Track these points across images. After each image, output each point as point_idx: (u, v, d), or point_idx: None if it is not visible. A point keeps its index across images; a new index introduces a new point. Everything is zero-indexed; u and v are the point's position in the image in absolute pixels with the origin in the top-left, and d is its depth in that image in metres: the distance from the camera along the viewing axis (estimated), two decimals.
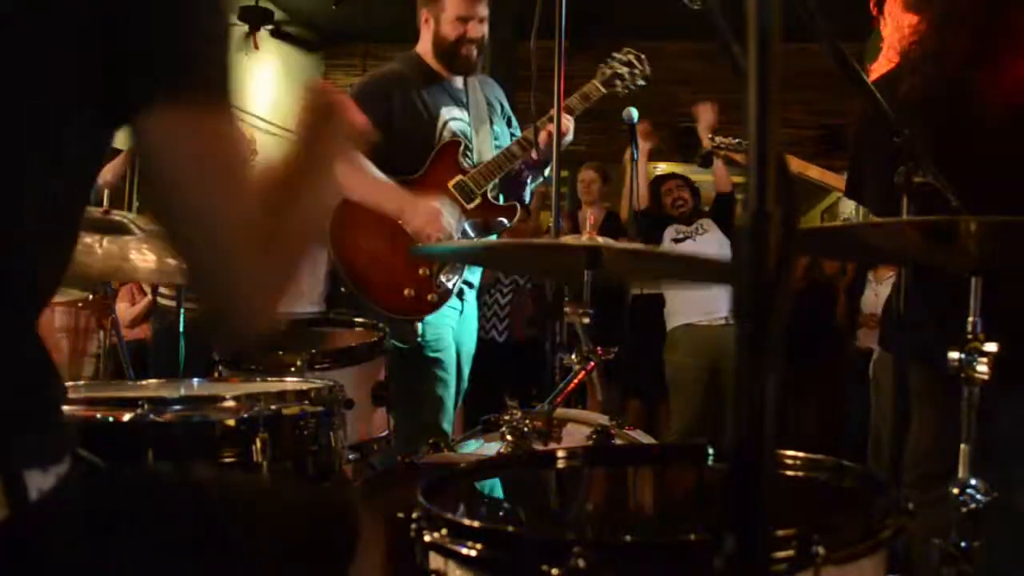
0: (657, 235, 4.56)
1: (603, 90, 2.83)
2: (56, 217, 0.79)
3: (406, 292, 2.59)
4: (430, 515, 0.93)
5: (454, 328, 2.76)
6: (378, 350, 2.22)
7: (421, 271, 2.61)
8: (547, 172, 2.79)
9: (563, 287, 2.35)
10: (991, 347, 1.26)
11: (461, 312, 2.79)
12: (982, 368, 1.26)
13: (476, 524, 0.90)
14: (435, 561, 0.92)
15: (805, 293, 5.28)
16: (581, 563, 0.80)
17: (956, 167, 1.47)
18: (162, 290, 4.31)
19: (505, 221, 2.76)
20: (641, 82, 2.90)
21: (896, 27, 1.85)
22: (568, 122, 2.61)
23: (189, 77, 0.78)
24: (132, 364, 2.69)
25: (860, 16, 2.26)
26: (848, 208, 9.46)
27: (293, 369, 2.04)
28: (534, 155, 2.69)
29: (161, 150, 0.78)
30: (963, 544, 1.24)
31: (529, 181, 2.86)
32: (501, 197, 2.80)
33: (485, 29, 2.72)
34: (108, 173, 3.70)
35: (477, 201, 2.69)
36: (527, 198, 2.92)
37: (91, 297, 2.37)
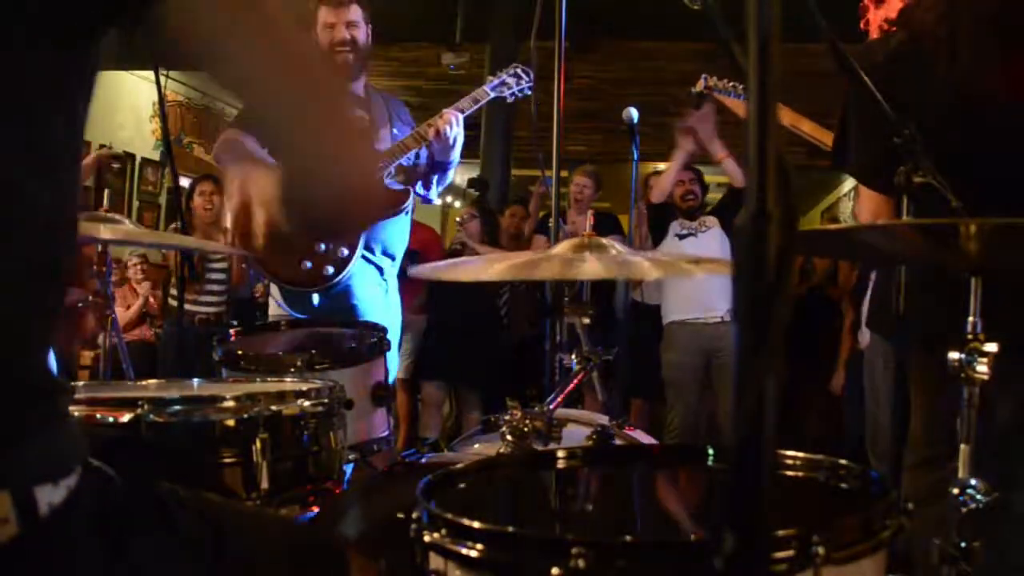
0: (664, 227, 4.61)
1: (491, 95, 3.00)
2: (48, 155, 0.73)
3: (304, 265, 2.75)
4: (430, 515, 0.93)
5: (380, 302, 2.92)
6: (378, 350, 2.23)
7: (320, 246, 2.83)
8: (451, 174, 3.03)
9: (563, 287, 2.35)
10: (991, 347, 1.26)
11: (387, 292, 2.98)
12: (982, 368, 1.26)
13: (476, 524, 0.90)
14: (435, 561, 0.92)
15: (805, 293, 5.26)
16: (581, 563, 0.80)
17: (959, 165, 1.47)
18: (172, 291, 4.32)
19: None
20: (528, 92, 3.03)
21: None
22: (453, 120, 2.82)
23: None
24: (133, 365, 2.70)
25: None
26: (848, 208, 9.49)
27: (293, 369, 2.04)
28: (436, 153, 2.90)
29: None
30: (963, 544, 1.24)
31: (436, 181, 3.05)
32: (420, 188, 3.01)
33: (357, 33, 2.89)
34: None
35: None
36: (433, 198, 3.14)
37: (90, 298, 2.37)
